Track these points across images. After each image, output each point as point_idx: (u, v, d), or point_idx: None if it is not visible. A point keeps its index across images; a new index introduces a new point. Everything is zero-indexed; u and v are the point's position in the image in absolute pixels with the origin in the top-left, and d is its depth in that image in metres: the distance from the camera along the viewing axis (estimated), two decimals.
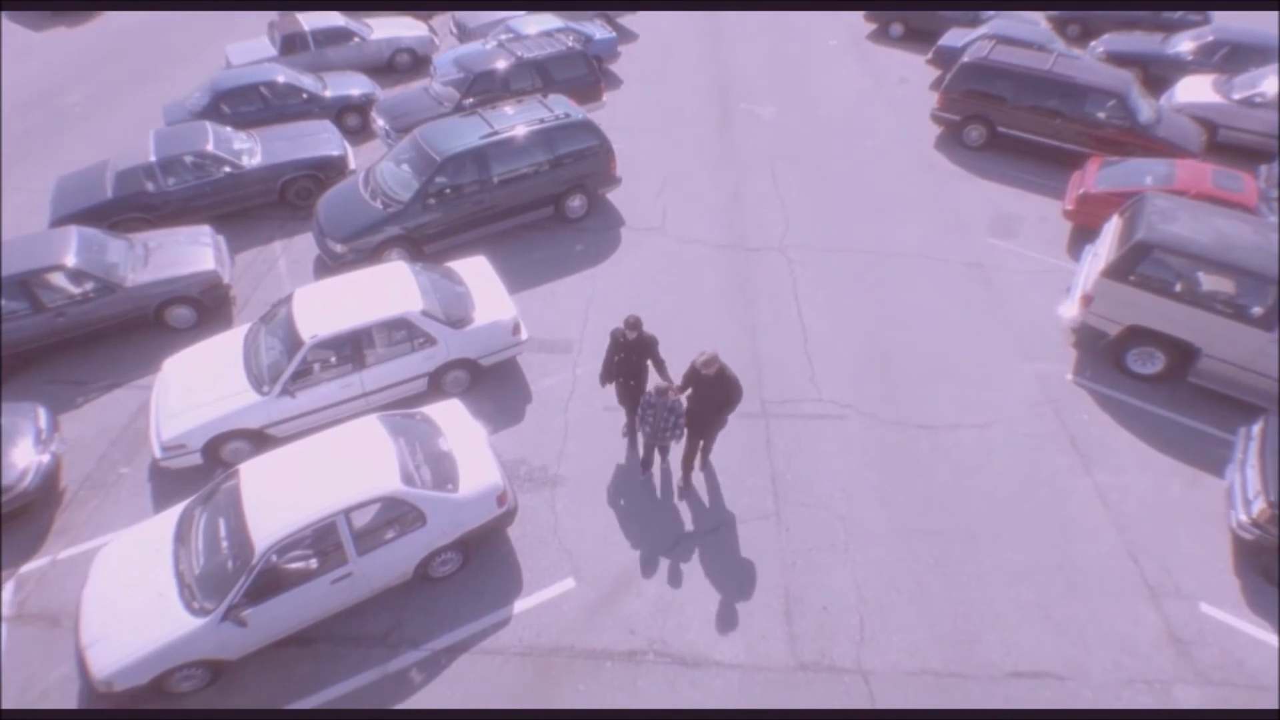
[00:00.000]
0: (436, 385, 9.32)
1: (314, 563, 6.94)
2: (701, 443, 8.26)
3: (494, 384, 9.66)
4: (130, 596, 6.83)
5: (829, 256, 11.91)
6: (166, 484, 8.62)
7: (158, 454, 8.42)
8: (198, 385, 8.75)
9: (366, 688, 6.88)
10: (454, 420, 8.08)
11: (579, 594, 7.52)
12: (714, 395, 7.65)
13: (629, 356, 8.21)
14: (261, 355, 8.91)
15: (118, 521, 8.23)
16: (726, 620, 7.32)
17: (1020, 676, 6.96)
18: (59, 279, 9.95)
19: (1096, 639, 7.24)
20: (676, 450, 8.53)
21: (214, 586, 6.72)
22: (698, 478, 8.56)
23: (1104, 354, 9.99)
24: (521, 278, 11.19)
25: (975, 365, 10.07)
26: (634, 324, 8.06)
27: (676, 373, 8.35)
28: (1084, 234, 11.91)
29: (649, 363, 8.38)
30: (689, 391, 7.83)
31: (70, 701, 6.90)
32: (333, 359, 8.78)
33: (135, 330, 10.43)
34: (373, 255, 11.03)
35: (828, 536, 8.05)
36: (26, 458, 8.31)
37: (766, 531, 8.08)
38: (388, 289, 9.18)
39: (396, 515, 7.09)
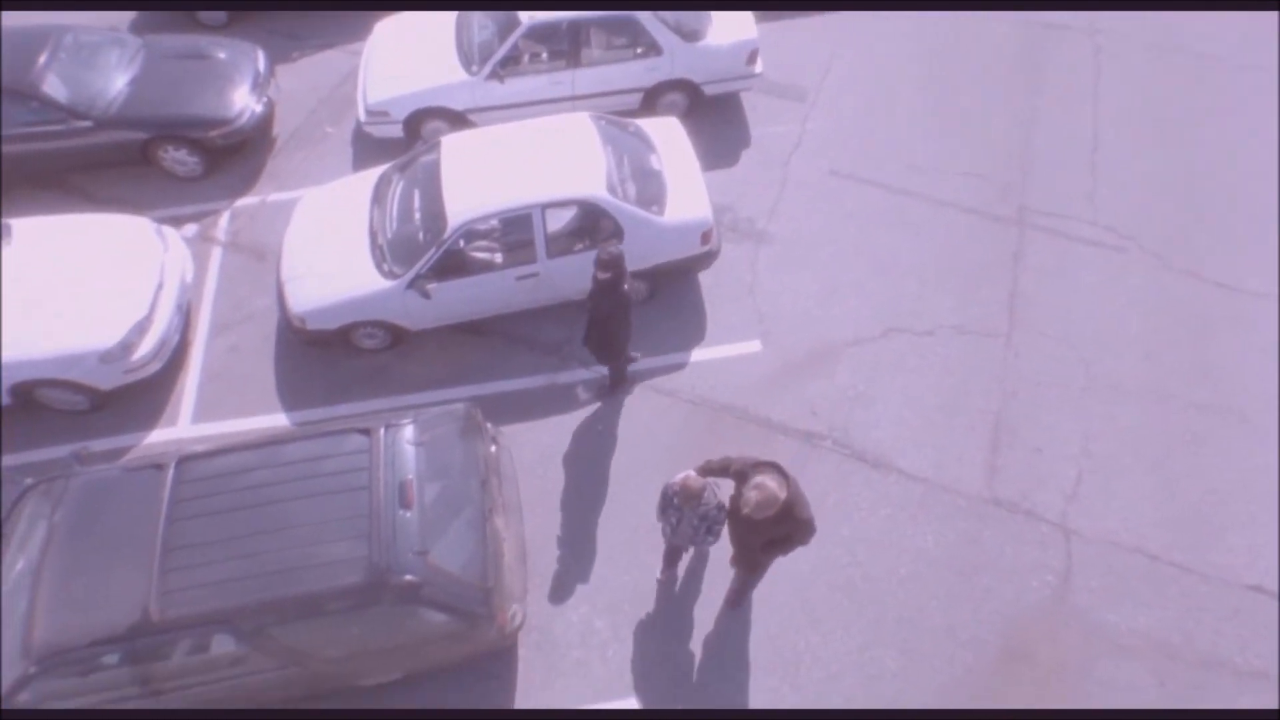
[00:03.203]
0: (650, 104, 8.27)
1: (501, 255, 6.58)
2: (736, 574, 5.42)
3: (712, 117, 8.46)
4: (326, 246, 6.83)
5: (1153, 54, 9.21)
6: (366, 150, 8.44)
7: (362, 117, 8.18)
8: (407, 55, 8.22)
9: (533, 390, 6.75)
10: (670, 141, 7.12)
11: (764, 359, 6.83)
12: (767, 532, 4.66)
13: (597, 301, 5.82)
14: (474, 33, 8.14)
15: (321, 176, 8.21)
16: (922, 430, 6.46)
17: (1260, 592, 5.78)
18: None
19: None
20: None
21: (404, 253, 6.54)
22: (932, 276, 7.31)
23: None
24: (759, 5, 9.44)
25: None
26: (607, 262, 5.52)
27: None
28: None
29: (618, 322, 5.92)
30: (727, 508, 4.87)
31: (270, 328, 7.28)
32: (545, 51, 7.89)
33: None
34: None
35: (1064, 376, 6.76)
36: (244, 99, 8.29)
37: (991, 351, 6.89)
38: None
39: (593, 224, 6.47)
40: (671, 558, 5.64)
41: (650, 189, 6.68)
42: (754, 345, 6.91)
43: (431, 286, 6.38)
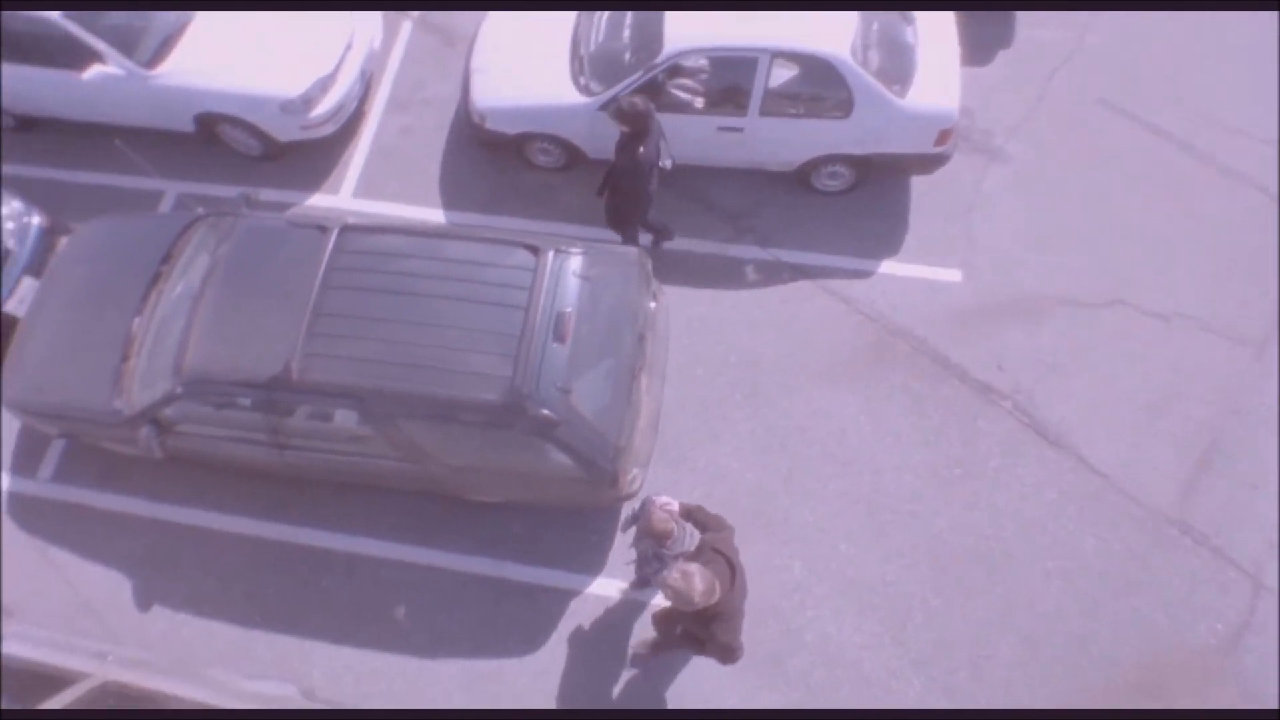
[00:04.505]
0: None
1: (708, 99, 5.87)
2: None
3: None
4: (524, 45, 6.28)
5: None
6: None
7: None
8: None
9: (699, 255, 6.20)
10: (932, 15, 5.99)
11: (960, 292, 6.01)
12: (686, 623, 4.06)
13: (616, 158, 5.27)
14: None
15: None
16: (1120, 423, 5.58)
17: None
18: None
19: None
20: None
21: (604, 70, 5.93)
22: None
23: None
24: None
25: None
26: (626, 113, 5.01)
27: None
28: None
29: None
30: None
31: (445, 118, 6.92)
32: None
33: None
34: None
35: None
36: None
37: (1233, 359, 5.79)
38: None
39: (821, 91, 5.62)
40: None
41: (897, 64, 5.70)
42: (953, 273, 6.07)
43: None
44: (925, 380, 5.72)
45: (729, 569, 3.80)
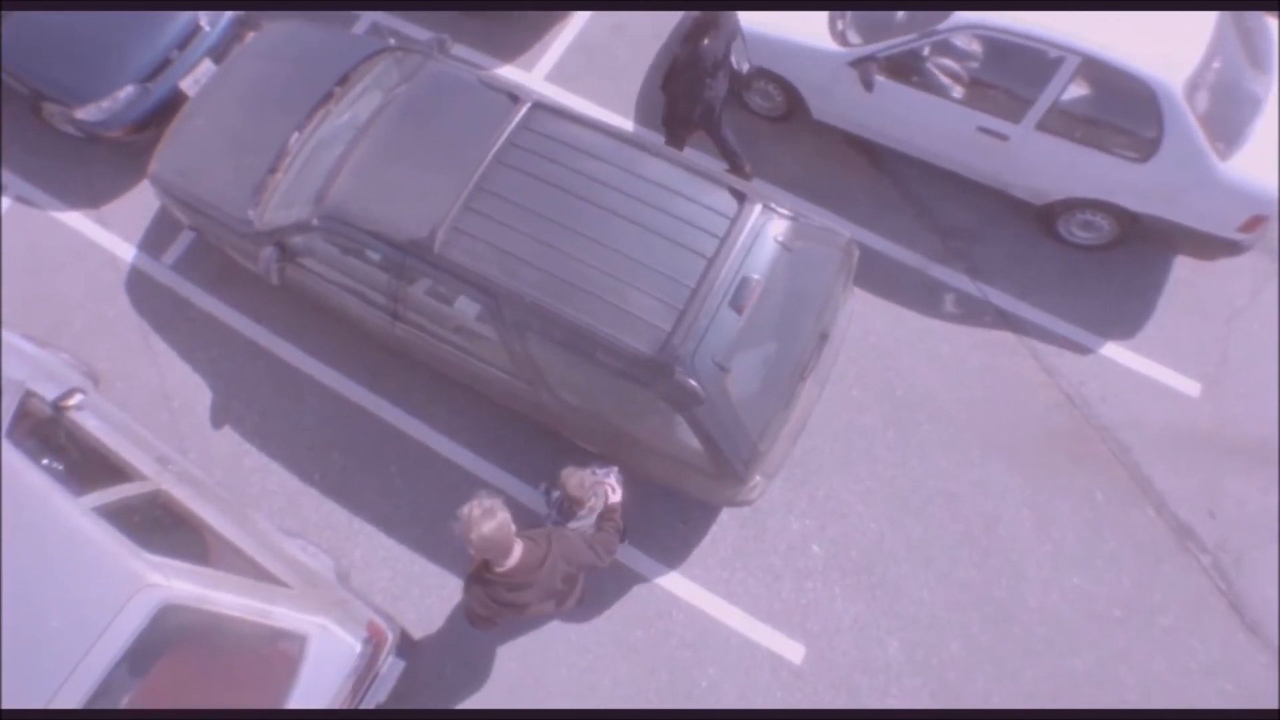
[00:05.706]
0: None
1: (971, 90, 4.94)
2: None
3: None
4: None
5: None
6: None
7: None
8: None
9: (895, 262, 5.35)
10: None
11: (1193, 410, 4.94)
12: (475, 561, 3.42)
13: (681, 47, 4.77)
14: None
15: None
16: None
17: None
18: None
19: None
20: None
21: (870, 23, 5.10)
22: None
23: None
24: None
25: None
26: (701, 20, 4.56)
27: None
28: None
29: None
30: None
31: (663, 27, 6.23)
32: None
33: None
34: None
35: None
36: None
37: None
38: None
39: (1125, 121, 4.59)
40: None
41: (1229, 116, 4.57)
42: (1191, 384, 5.01)
43: (879, 79, 4.94)
44: (1114, 495, 4.76)
45: (538, 566, 3.23)
